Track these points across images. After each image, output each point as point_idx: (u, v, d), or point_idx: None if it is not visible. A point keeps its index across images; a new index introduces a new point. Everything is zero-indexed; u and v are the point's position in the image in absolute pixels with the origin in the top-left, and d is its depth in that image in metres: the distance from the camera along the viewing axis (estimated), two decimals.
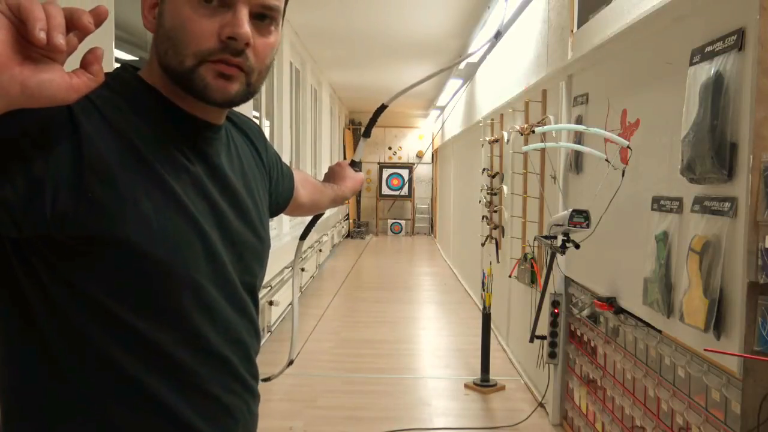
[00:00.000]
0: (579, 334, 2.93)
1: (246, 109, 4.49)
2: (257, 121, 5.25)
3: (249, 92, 0.84)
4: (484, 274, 4.19)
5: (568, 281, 3.11)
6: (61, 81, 0.62)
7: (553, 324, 3.14)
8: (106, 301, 0.78)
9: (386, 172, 13.38)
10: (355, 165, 1.51)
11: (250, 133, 1.05)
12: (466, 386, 3.82)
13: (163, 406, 0.83)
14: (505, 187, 4.51)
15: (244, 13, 0.78)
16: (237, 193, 0.92)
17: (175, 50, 0.79)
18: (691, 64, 1.81)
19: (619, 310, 2.38)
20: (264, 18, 0.82)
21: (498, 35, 1.50)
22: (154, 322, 0.81)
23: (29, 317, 0.78)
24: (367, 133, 1.52)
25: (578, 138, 2.88)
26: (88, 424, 0.81)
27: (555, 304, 3.12)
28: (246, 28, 0.78)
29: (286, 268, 4.98)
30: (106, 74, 0.77)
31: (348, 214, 12.78)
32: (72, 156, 0.71)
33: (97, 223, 0.74)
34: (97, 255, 0.76)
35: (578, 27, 2.98)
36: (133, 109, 0.80)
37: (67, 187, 0.71)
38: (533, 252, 3.73)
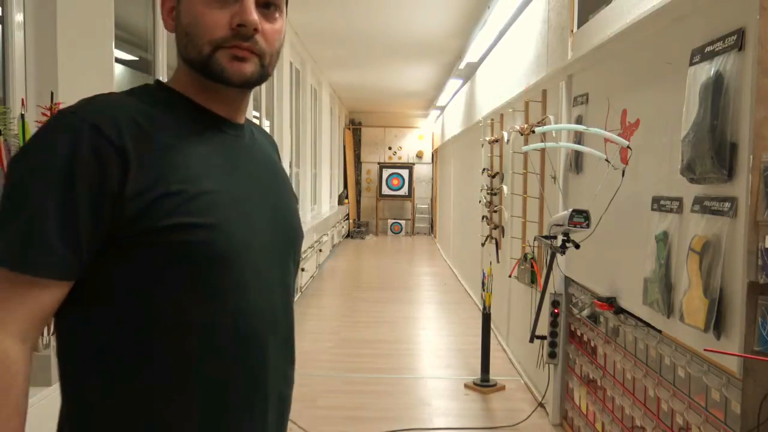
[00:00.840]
0: (579, 334, 2.93)
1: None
2: (257, 121, 5.26)
3: (264, 73, 0.93)
4: (484, 274, 4.19)
5: (568, 281, 3.10)
6: None
7: (553, 324, 3.14)
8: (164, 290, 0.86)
9: (386, 172, 13.38)
10: None
11: (275, 146, 1.15)
12: (466, 386, 3.82)
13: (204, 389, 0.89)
14: (505, 187, 4.51)
15: (250, 2, 0.88)
16: (271, 185, 1.02)
17: (192, 42, 0.89)
18: (691, 64, 1.81)
19: (619, 310, 2.38)
20: (269, 6, 0.92)
21: None
22: (207, 306, 0.88)
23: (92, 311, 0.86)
24: None
25: (578, 138, 2.88)
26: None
27: (555, 304, 3.12)
28: (253, 15, 0.88)
29: None
30: (138, 92, 0.93)
31: (348, 214, 12.79)
32: (122, 171, 0.82)
33: (161, 218, 0.83)
34: (160, 249, 0.84)
35: (578, 27, 2.98)
36: (165, 113, 0.90)
37: (131, 196, 0.82)
38: (533, 252, 3.73)
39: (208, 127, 0.94)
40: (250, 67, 0.90)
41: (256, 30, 0.89)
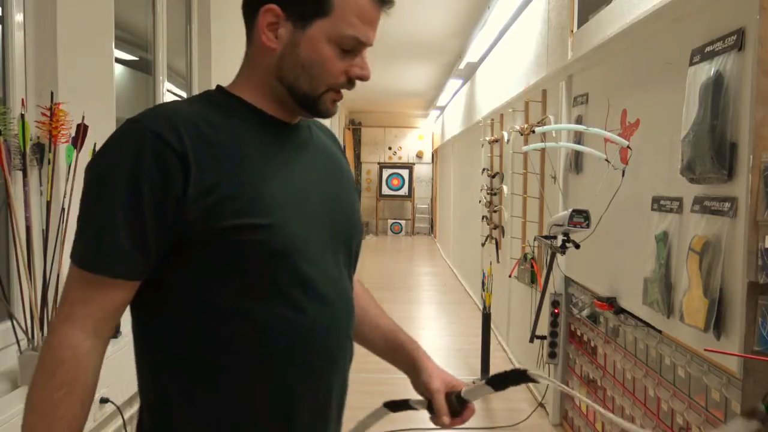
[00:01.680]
0: (579, 334, 2.93)
1: None
2: None
3: None
4: (484, 274, 4.19)
5: (568, 281, 3.10)
6: None
7: (553, 324, 3.14)
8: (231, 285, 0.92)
9: (386, 172, 13.38)
10: (461, 401, 1.11)
11: (335, 139, 1.19)
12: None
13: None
14: (505, 187, 4.50)
15: (366, 58, 0.98)
16: (330, 181, 1.06)
17: (309, 79, 0.95)
18: (691, 64, 1.81)
19: (619, 310, 2.38)
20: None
21: None
22: (267, 300, 0.93)
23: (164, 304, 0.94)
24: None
25: (578, 138, 2.88)
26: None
27: (555, 304, 3.12)
28: (370, 70, 0.98)
29: None
30: (200, 99, 0.99)
31: None
32: (184, 176, 0.88)
33: (226, 217, 0.89)
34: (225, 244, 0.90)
35: (578, 27, 2.98)
36: (226, 118, 0.95)
37: (194, 198, 0.88)
38: (533, 252, 3.73)
39: (267, 129, 0.98)
40: (337, 107, 1.01)
41: None
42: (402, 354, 1.18)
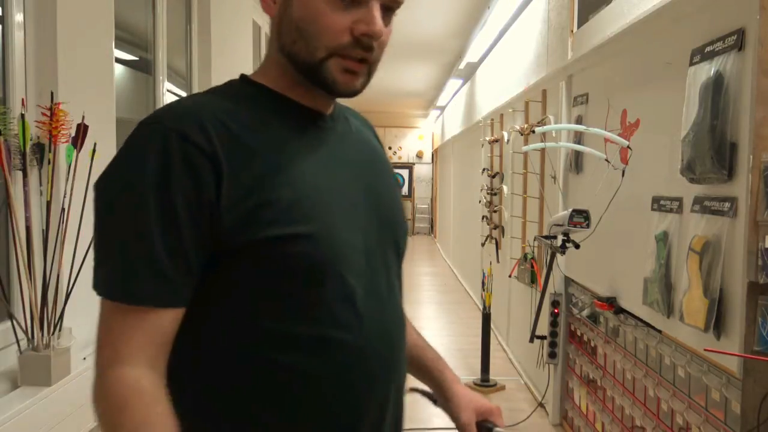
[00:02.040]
0: (579, 334, 2.93)
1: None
2: None
3: (368, 81, 0.85)
4: (484, 274, 4.19)
5: (568, 281, 3.10)
6: None
7: (553, 324, 3.14)
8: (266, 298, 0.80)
9: None
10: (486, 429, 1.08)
11: (372, 129, 1.05)
12: (466, 386, 3.82)
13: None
14: (505, 187, 4.51)
15: (377, 9, 0.79)
16: (372, 176, 0.92)
17: (305, 42, 0.80)
18: (691, 64, 1.81)
19: (619, 310, 2.38)
20: (390, 9, 0.82)
21: None
22: (303, 317, 0.81)
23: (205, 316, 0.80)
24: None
25: (578, 138, 2.88)
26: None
27: (555, 304, 3.12)
28: (381, 25, 0.79)
29: None
30: (222, 90, 0.85)
31: None
32: (216, 182, 0.76)
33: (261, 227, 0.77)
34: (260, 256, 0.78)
35: (578, 27, 2.98)
36: (253, 111, 0.83)
37: (227, 207, 0.76)
38: (533, 252, 3.73)
39: (300, 122, 0.85)
40: (359, 81, 0.83)
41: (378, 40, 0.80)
42: (429, 373, 1.09)
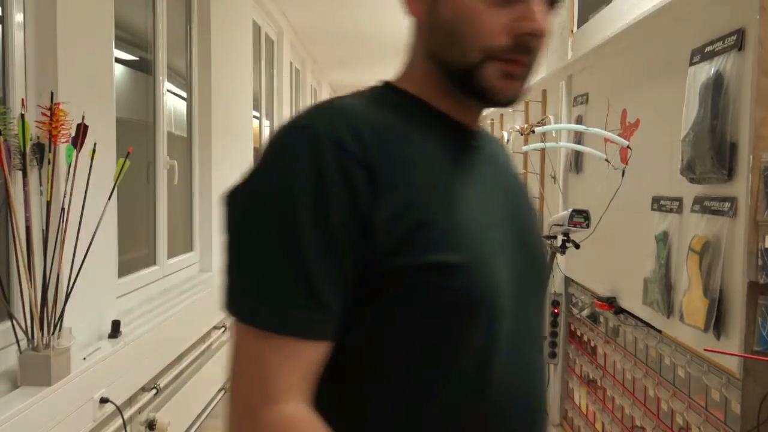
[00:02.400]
0: (579, 334, 2.93)
1: (246, 108, 4.50)
2: (257, 121, 5.26)
3: (527, 86, 0.75)
4: None
5: (568, 281, 3.11)
6: None
7: (553, 324, 3.14)
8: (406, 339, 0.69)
9: None
10: None
11: (507, 154, 0.94)
12: None
13: None
14: None
15: (539, 3, 0.69)
16: (516, 206, 0.82)
17: (457, 45, 0.70)
18: (691, 64, 1.81)
19: (619, 310, 2.38)
20: (552, 4, 0.73)
21: None
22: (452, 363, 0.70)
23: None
24: None
25: (578, 138, 2.88)
26: None
27: (555, 304, 3.13)
28: (544, 21, 0.70)
29: None
30: (369, 96, 0.76)
31: None
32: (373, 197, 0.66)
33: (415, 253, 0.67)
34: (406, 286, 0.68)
35: (578, 27, 2.98)
36: (404, 121, 0.73)
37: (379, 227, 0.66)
38: None
39: (452, 138, 0.76)
40: (519, 86, 0.72)
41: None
42: None
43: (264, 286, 0.64)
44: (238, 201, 0.68)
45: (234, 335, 0.67)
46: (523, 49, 0.70)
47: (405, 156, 0.69)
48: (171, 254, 3.14)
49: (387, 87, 0.78)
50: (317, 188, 0.64)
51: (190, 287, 3.14)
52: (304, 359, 0.65)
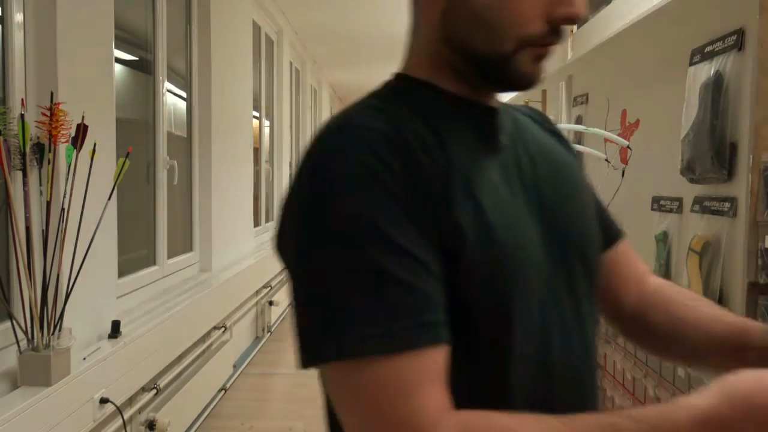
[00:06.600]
0: None
1: (246, 108, 4.51)
2: (256, 122, 5.26)
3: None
4: None
5: None
6: None
7: None
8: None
9: None
10: None
11: (539, 118, 0.90)
12: None
13: None
14: None
15: None
16: (549, 181, 0.76)
17: (489, 33, 0.66)
18: (691, 64, 1.81)
19: None
20: None
21: None
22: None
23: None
24: None
25: (578, 138, 2.88)
26: None
27: None
28: (583, 7, 0.66)
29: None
30: (386, 91, 0.73)
31: None
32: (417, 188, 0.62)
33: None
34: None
35: (578, 27, 2.98)
36: (432, 113, 0.69)
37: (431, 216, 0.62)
38: None
39: (478, 124, 0.72)
40: (543, 68, 0.70)
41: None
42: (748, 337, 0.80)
43: (357, 304, 0.57)
44: (298, 210, 0.62)
45: (335, 384, 0.60)
46: (557, 34, 0.67)
47: (440, 155, 0.65)
48: (171, 254, 3.14)
49: (401, 78, 0.74)
50: (383, 183, 0.60)
51: (190, 287, 3.15)
52: (428, 365, 0.58)
